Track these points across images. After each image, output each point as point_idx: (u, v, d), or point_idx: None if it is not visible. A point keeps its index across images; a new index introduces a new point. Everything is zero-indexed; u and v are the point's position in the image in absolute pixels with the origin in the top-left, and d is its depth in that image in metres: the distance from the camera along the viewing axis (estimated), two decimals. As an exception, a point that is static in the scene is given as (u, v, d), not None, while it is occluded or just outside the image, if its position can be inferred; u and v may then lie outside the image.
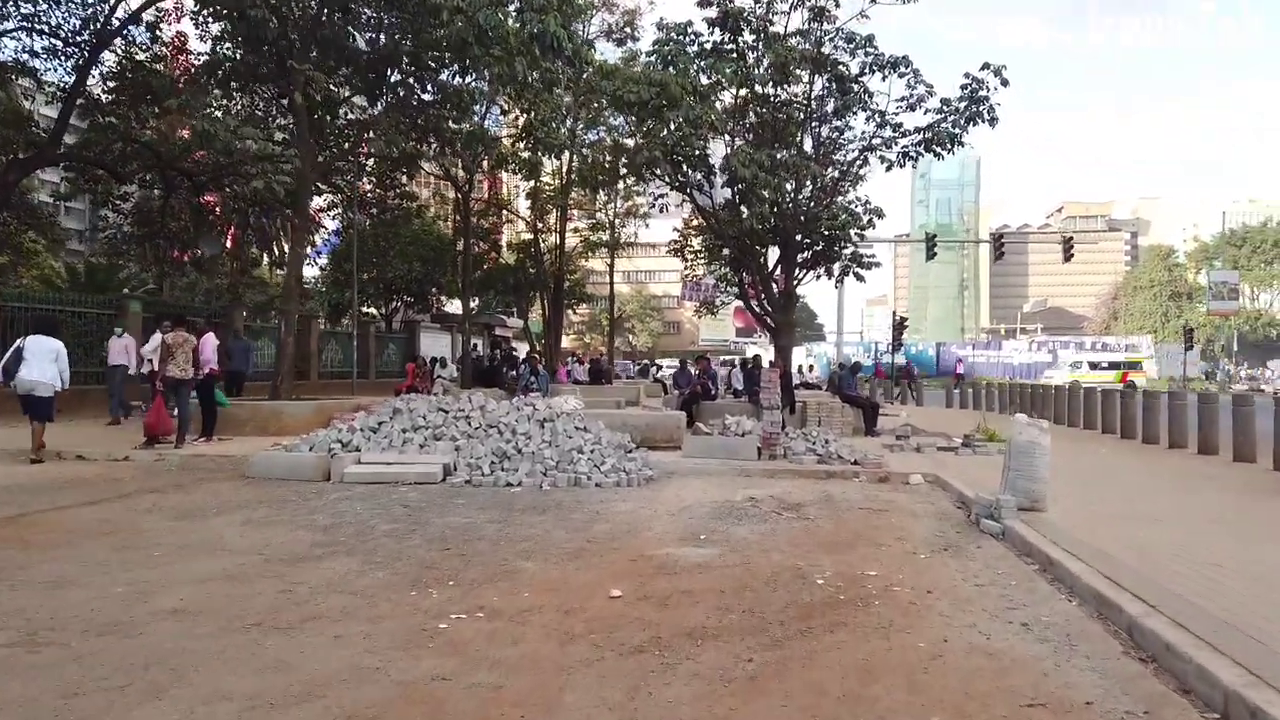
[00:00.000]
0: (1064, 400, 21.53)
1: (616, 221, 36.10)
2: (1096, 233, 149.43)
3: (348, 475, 9.33)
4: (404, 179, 28.15)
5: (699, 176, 16.87)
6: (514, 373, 24.48)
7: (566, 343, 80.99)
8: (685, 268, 29.57)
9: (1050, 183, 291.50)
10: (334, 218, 33.00)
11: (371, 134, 19.02)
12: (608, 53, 28.81)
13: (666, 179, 16.99)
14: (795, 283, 18.53)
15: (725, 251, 18.92)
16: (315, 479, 9.44)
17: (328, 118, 19.21)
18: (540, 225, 33.51)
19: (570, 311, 44.36)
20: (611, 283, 42.54)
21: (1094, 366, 48.87)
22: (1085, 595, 4.63)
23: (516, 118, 24.68)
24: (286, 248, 29.52)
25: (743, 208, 17.53)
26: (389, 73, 17.99)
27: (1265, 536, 6.30)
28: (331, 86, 18.93)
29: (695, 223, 24.93)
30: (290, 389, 15.62)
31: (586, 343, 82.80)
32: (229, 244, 33.16)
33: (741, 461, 11.32)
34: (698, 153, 15.93)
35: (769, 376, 12.10)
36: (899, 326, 38.86)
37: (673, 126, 14.61)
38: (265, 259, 38.10)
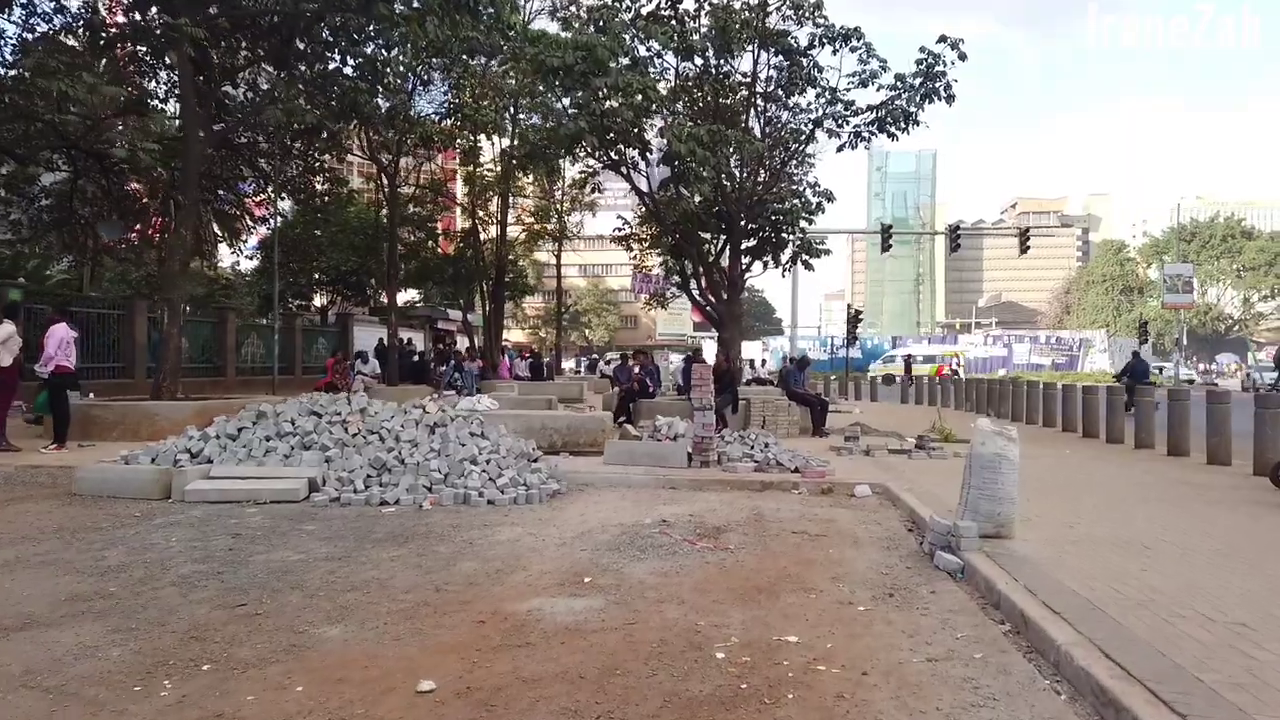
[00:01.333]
0: (1021, 396, 20.54)
1: (562, 210, 34.57)
2: (1050, 228, 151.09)
3: (190, 493, 7.79)
4: (332, 163, 26.40)
5: (634, 154, 15.47)
6: (442, 369, 22.91)
7: (521, 337, 79.31)
8: (631, 257, 28.15)
9: (1005, 179, 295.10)
10: (259, 203, 31.07)
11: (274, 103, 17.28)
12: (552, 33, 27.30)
13: (598, 156, 15.52)
14: (742, 270, 17.24)
15: (667, 238, 17.51)
16: (152, 496, 7.89)
17: (227, 86, 17.50)
18: (481, 214, 31.87)
19: (514, 305, 42.71)
20: (559, 275, 41.02)
21: (909, 359, 48.73)
22: (1080, 684, 3.33)
23: (448, 95, 23.06)
24: (220, 233, 27.53)
25: (683, 189, 16.20)
26: (296, 39, 16.34)
27: (1283, 572, 5.09)
28: (236, 54, 17.26)
29: (640, 208, 23.53)
30: (176, 386, 13.94)
31: (542, 337, 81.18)
32: (153, 231, 31.05)
33: (668, 470, 9.97)
34: (632, 127, 14.51)
35: (700, 373, 10.75)
36: (853, 320, 37.86)
37: (601, 95, 13.15)
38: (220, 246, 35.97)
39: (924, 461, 11.54)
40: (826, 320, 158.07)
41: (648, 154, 15.30)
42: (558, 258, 40.99)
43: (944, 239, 40.10)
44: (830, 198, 16.69)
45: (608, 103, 13.96)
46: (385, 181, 24.25)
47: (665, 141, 13.87)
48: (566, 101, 14.26)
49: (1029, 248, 38.80)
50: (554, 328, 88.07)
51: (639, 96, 13.60)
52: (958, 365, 56.70)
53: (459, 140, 24.95)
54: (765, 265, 17.66)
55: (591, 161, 18.25)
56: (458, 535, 6.39)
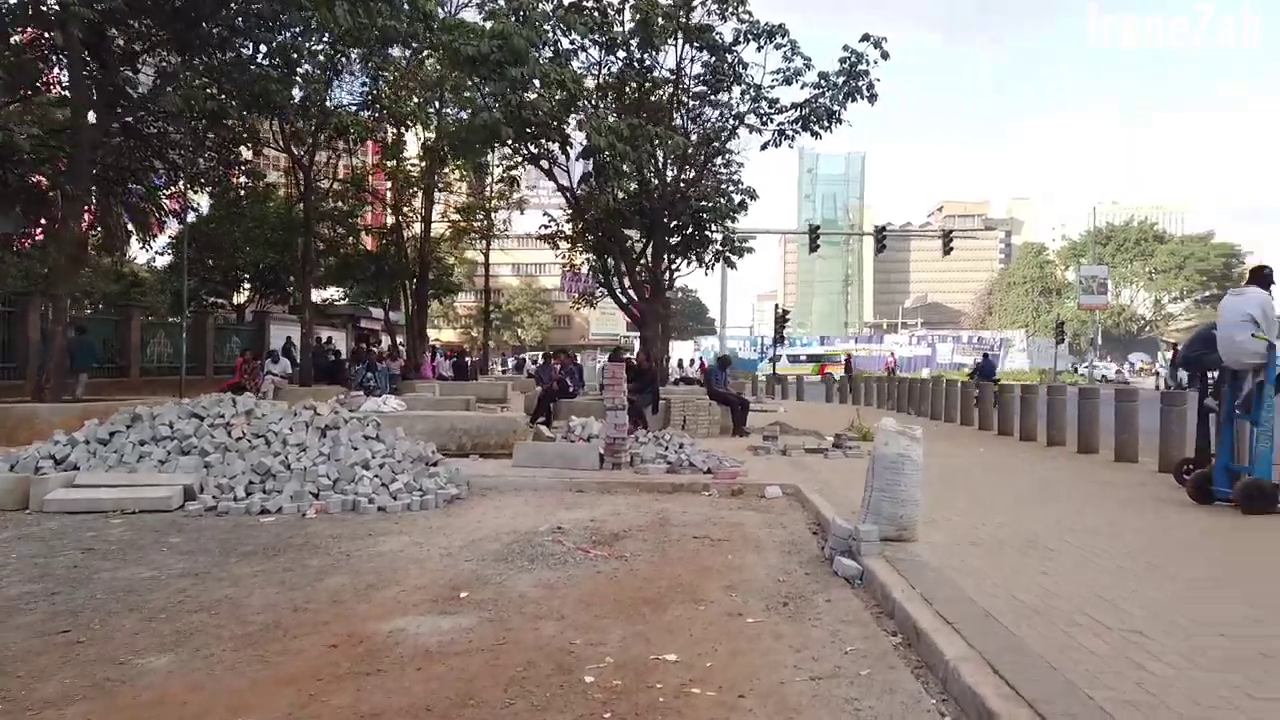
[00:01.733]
0: (940, 395, 20.77)
1: (489, 207, 33.93)
2: (974, 231, 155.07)
3: (49, 502, 7.16)
4: (249, 155, 25.38)
5: (553, 147, 15.08)
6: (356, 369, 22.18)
7: (453, 336, 77.97)
8: (558, 255, 27.73)
9: (932, 183, 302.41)
10: (171, 196, 29.71)
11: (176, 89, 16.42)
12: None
13: (516, 149, 15.08)
14: (665, 268, 16.99)
15: (589, 235, 17.15)
16: (6, 507, 7.24)
17: (128, 72, 16.56)
18: (405, 210, 31.07)
19: (441, 304, 41.80)
20: (487, 273, 40.36)
21: (793, 360, 49.94)
22: (966, 704, 3.09)
23: (366, 86, 22.29)
24: (131, 228, 26.19)
25: (605, 185, 15.89)
26: (202, 24, 15.53)
27: (1193, 576, 4.99)
28: (137, 39, 16.33)
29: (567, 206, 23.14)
30: (62, 387, 13.08)
31: (474, 336, 79.98)
32: (57, 224, 29.46)
33: (578, 472, 9.63)
34: (553, 120, 14.12)
35: (612, 373, 10.44)
36: (780, 320, 38.06)
37: (519, 86, 12.71)
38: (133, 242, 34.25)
39: (839, 461, 11.43)
40: (759, 320, 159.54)
41: (569, 148, 14.92)
42: (486, 256, 40.33)
43: (871, 240, 40.64)
44: (753, 195, 16.58)
45: (527, 95, 13.55)
46: (301, 175, 23.36)
47: (585, 135, 13.52)
48: (488, 92, 13.81)
49: (952, 249, 39.54)
50: (483, 327, 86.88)
51: (558, 88, 13.23)
52: (892, 362, 57.69)
53: (378, 133, 24.20)
54: (689, 263, 17.45)
55: (514, 155, 17.75)
56: (336, 546, 5.95)
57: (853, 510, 6.47)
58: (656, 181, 16.06)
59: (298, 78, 20.31)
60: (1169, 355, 45.28)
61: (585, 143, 13.57)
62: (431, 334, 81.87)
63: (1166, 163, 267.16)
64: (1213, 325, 8.41)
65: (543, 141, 15.44)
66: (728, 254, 17.14)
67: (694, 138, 16.95)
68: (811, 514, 7.26)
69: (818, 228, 38.13)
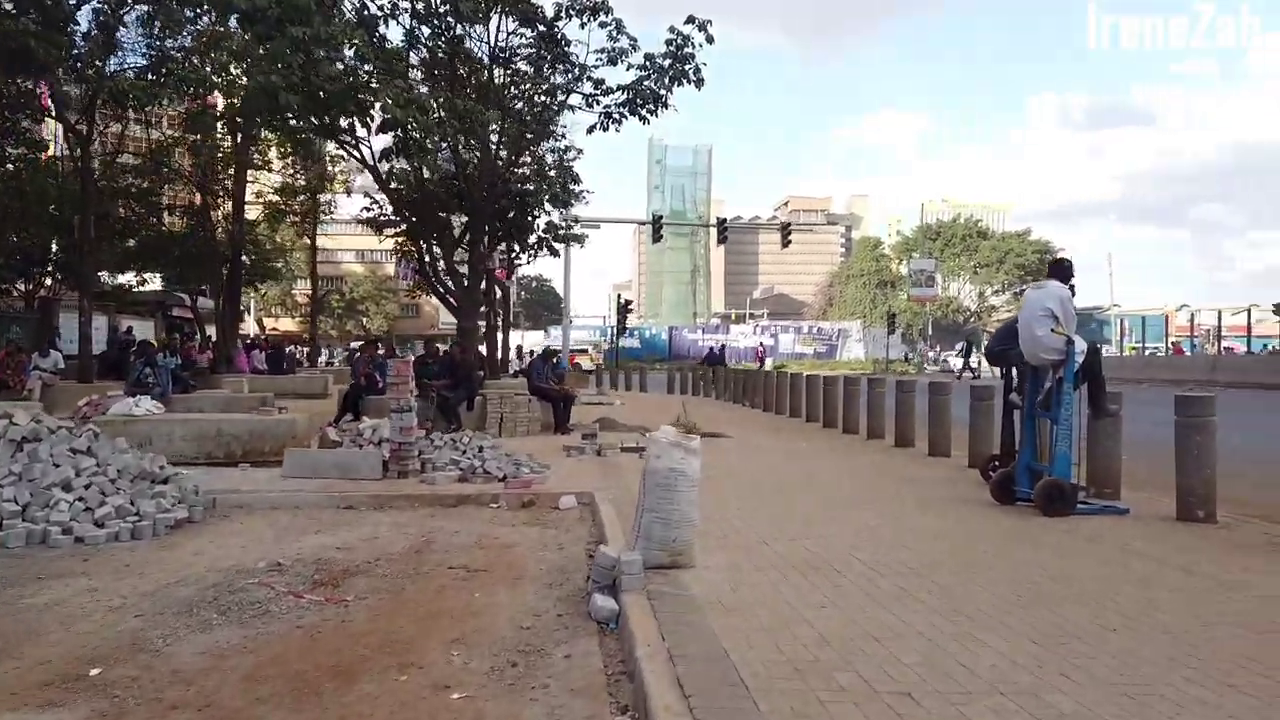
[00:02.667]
0: (772, 386, 20.70)
1: (311, 186, 31.62)
2: (816, 226, 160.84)
3: None
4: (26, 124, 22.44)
5: (349, 123, 13.69)
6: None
7: (292, 326, 73.43)
8: (381, 240, 26.03)
9: (779, 179, 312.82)
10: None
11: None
12: None
13: (301, 121, 13.59)
14: (485, 255, 15.92)
15: (402, 218, 15.81)
16: None
17: None
18: (216, 189, 28.44)
19: (252, 290, 38.88)
20: (314, 258, 37.77)
21: (721, 349, 50.92)
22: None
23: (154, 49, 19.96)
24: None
25: (423, 168, 14.67)
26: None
27: (983, 603, 4.51)
28: None
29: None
30: None
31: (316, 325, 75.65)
32: None
33: (356, 483, 8.52)
34: (349, 90, 12.74)
35: (397, 369, 9.35)
36: (623, 310, 37.57)
37: (302, 47, 11.31)
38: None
39: (655, 462, 10.79)
40: (613, 311, 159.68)
41: (370, 120, 13.58)
42: (312, 240, 37.81)
43: (727, 236, 40.91)
44: (576, 180, 15.73)
45: (319, 59, 12.14)
46: (74, 143, 20.77)
47: (381, 107, 12.25)
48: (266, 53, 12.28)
49: (790, 241, 40.26)
50: (327, 315, 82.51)
51: (350, 52, 11.91)
52: (763, 351, 58.22)
53: (173, 101, 21.85)
54: (511, 249, 16.44)
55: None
56: (-24, 599, 4.67)
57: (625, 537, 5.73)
58: (473, 162, 14.96)
59: (67, 36, 17.94)
60: (959, 346, 47.86)
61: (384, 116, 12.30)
62: (269, 323, 77.16)
63: (990, 164, 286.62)
64: (1017, 320, 8.23)
65: (345, 115, 13.99)
66: (552, 241, 16.19)
67: (511, 116, 15.95)
68: (599, 530, 6.49)
69: (661, 218, 37.87)
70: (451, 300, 15.54)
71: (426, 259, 16.02)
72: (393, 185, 15.50)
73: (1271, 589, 4.67)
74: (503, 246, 21.16)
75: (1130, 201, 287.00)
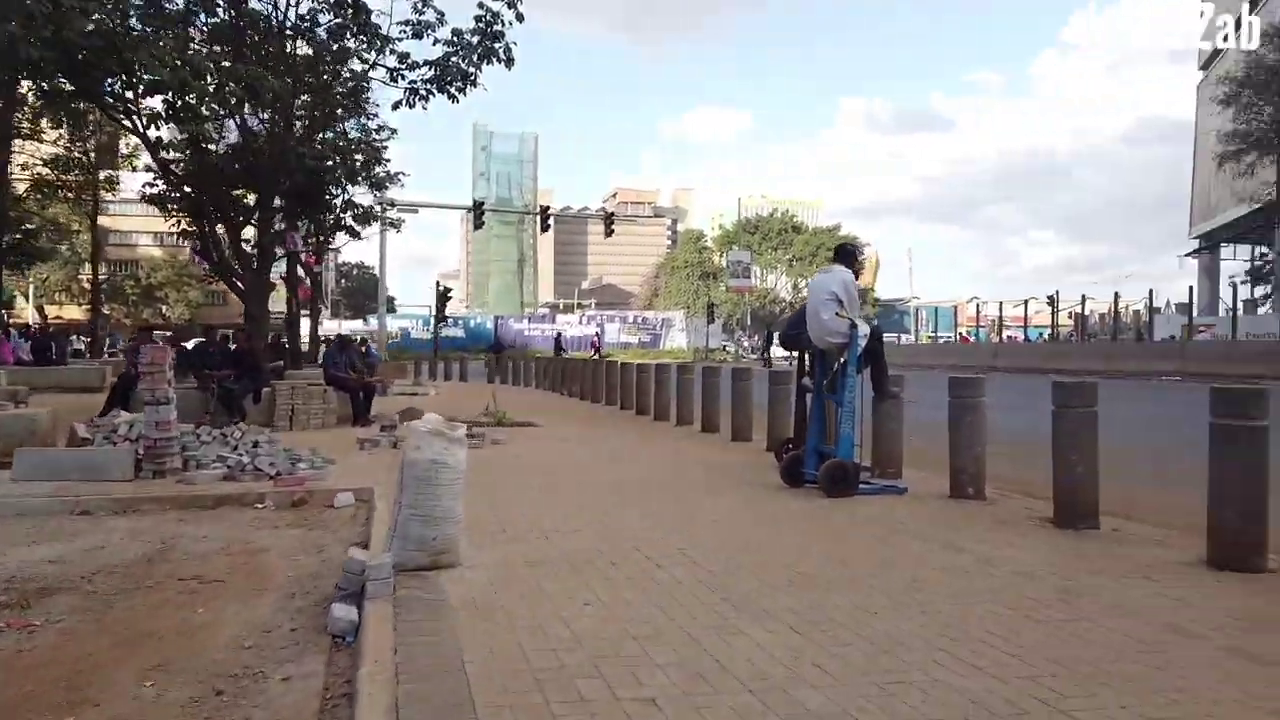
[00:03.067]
0: (588, 374, 20.55)
1: (89, 159, 28.58)
2: (643, 218, 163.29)
3: None
4: None
5: (117, 85, 12.24)
6: None
7: (78, 313, 66.47)
8: (166, 221, 23.83)
9: (609, 171, 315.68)
10: None
11: None
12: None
13: (52, 82, 12.00)
14: (274, 236, 14.74)
15: (181, 194, 14.32)
16: None
17: None
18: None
19: (22, 273, 34.94)
20: (95, 237, 34.24)
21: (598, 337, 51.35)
22: None
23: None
24: None
25: (199, 138, 13.32)
26: None
27: (750, 586, 4.38)
28: None
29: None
30: None
31: (106, 313, 68.96)
32: None
33: (102, 484, 7.52)
34: (109, 44, 11.33)
35: (151, 357, 8.35)
36: (442, 298, 36.40)
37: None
38: None
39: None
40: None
41: (136, 81, 12.15)
42: (93, 218, 34.31)
43: (550, 224, 40.42)
44: (378, 158, 14.82)
45: (67, 9, 10.70)
46: None
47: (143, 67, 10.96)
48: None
49: (614, 231, 40.48)
50: (120, 302, 75.41)
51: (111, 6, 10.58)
52: (598, 341, 57.73)
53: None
54: (306, 232, 15.31)
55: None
56: None
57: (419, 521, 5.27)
58: (262, 136, 13.78)
59: None
60: (761, 335, 49.98)
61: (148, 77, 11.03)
62: (51, 311, 69.60)
63: (804, 162, 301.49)
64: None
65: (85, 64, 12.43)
66: (351, 221, 15.20)
67: (320, 91, 14.84)
68: (367, 531, 5.96)
69: (482, 204, 36.98)
70: (239, 284, 14.30)
71: (213, 239, 14.64)
72: (171, 156, 14.03)
73: (1027, 564, 4.82)
74: (305, 229, 19.87)
75: (929, 201, 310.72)
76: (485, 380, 31.13)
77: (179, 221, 15.10)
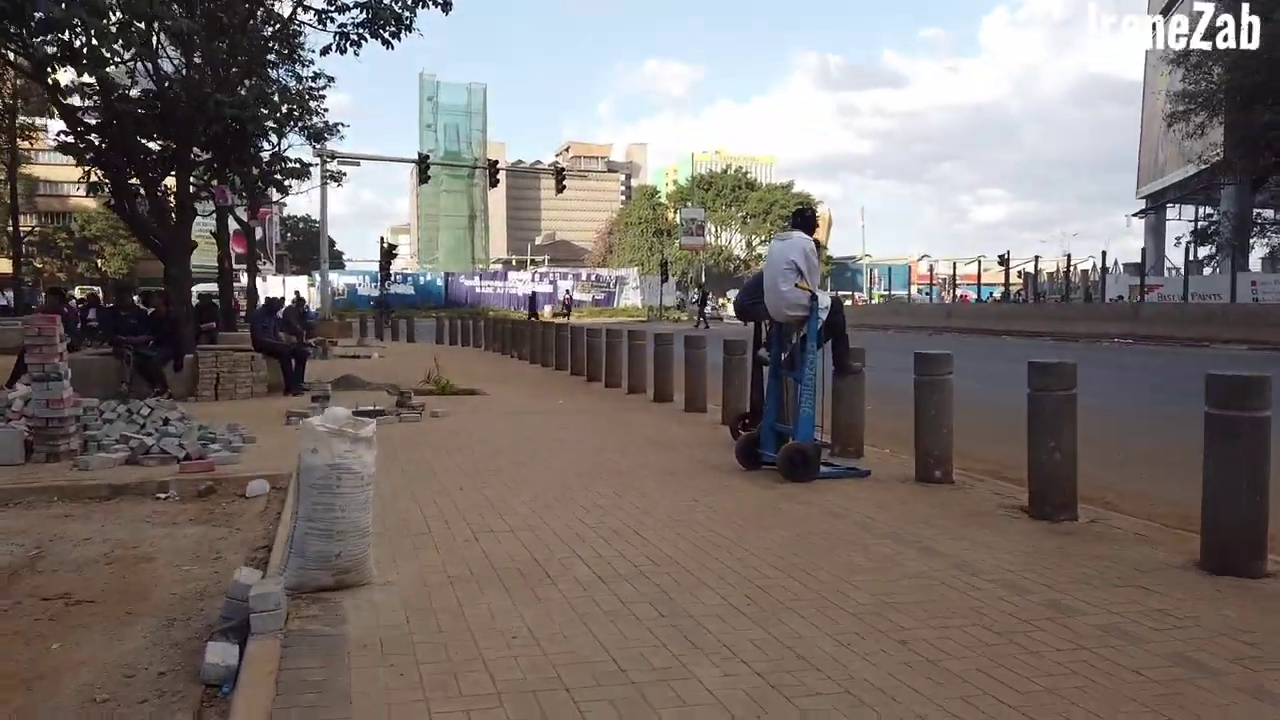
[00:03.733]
0: (538, 338, 19.85)
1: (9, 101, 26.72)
2: (596, 173, 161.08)
3: None
4: None
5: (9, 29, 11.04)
6: None
7: (6, 266, 63.43)
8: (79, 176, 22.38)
9: (562, 125, 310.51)
10: None
11: None
12: None
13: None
14: (194, 189, 13.70)
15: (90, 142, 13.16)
16: None
17: None
18: None
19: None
20: (13, 185, 32.26)
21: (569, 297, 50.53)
22: None
23: None
24: None
25: (100, 82, 12.18)
26: None
27: (702, 605, 3.85)
28: None
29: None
30: None
31: (38, 267, 65.98)
32: None
33: (-19, 472, 6.74)
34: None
35: (39, 326, 7.49)
36: (386, 254, 35.14)
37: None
38: None
39: (389, 428, 9.60)
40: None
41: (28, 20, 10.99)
42: (11, 168, 32.34)
43: (499, 176, 39.09)
44: (307, 108, 13.83)
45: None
46: None
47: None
48: None
49: (564, 186, 39.40)
50: (53, 256, 72.22)
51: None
52: (568, 299, 56.61)
53: None
54: (235, 186, 14.29)
55: None
56: None
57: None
58: (176, 83, 12.69)
59: None
60: (695, 296, 49.39)
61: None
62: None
63: (757, 118, 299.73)
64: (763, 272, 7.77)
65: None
66: (277, 175, 14.18)
67: (243, 34, 13.71)
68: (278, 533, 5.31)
69: (427, 157, 35.59)
70: (155, 241, 13.29)
71: (127, 194, 13.53)
72: (75, 102, 12.88)
73: (1009, 571, 4.36)
74: (234, 182, 18.69)
75: (881, 158, 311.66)
76: (434, 341, 30.24)
77: (88, 174, 13.95)
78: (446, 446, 8.26)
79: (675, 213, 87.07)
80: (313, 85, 27.07)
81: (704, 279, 78.13)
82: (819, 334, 6.90)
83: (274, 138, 13.18)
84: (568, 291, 60.12)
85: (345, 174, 29.59)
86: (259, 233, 79.51)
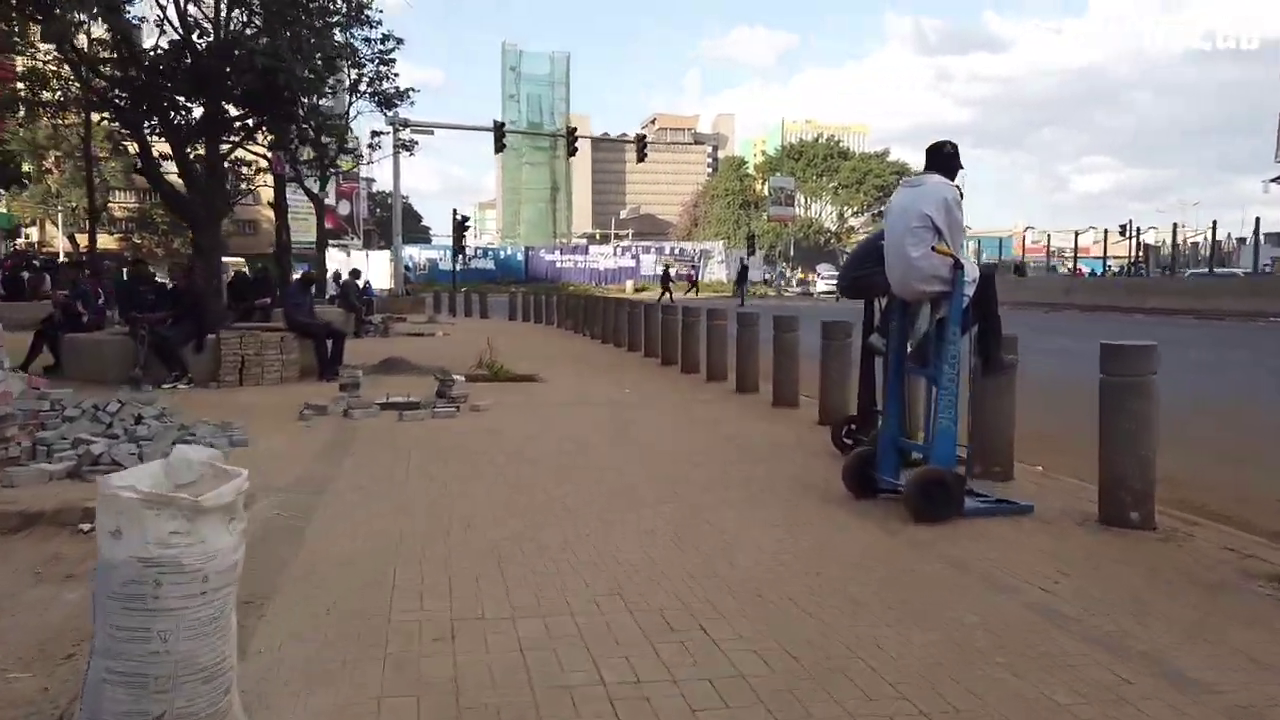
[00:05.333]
0: (612, 316, 18.16)
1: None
2: (682, 145, 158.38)
3: None
4: None
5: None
6: None
7: (111, 243, 65.26)
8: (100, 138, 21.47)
9: (646, 99, 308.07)
10: None
11: None
12: None
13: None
14: (225, 149, 12.43)
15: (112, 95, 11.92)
16: None
17: None
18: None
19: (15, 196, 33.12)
20: (89, 157, 32.11)
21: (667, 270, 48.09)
22: None
23: None
24: None
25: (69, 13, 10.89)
26: None
27: None
28: None
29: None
30: None
31: (137, 243, 67.80)
32: None
33: (-108, 486, 5.40)
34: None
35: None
36: (459, 226, 33.91)
37: None
38: None
39: (413, 427, 8.06)
40: (479, 229, 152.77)
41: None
42: (85, 139, 32.13)
43: (582, 149, 37.51)
44: (347, 55, 12.33)
45: None
46: None
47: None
48: None
49: (646, 155, 37.65)
50: (150, 231, 74.40)
51: None
52: (691, 269, 54.49)
53: None
54: (269, 144, 12.93)
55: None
56: None
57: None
58: (205, 27, 11.35)
59: None
60: (737, 270, 45.56)
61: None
62: (81, 239, 68.96)
63: (849, 85, 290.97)
64: (881, 235, 5.83)
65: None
66: (314, 132, 12.73)
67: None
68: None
69: (503, 125, 34.18)
70: (187, 208, 12.06)
71: (154, 155, 12.34)
72: (102, 55, 11.69)
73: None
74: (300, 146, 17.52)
75: (978, 125, 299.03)
76: (507, 318, 28.92)
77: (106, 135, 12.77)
78: (473, 455, 6.64)
79: (763, 184, 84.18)
80: (382, 48, 26.10)
81: (792, 253, 75.31)
82: (963, 317, 4.97)
83: (313, 93, 11.59)
84: (694, 266, 57.54)
85: (417, 142, 28.49)
86: (346, 207, 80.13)
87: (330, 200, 78.69)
